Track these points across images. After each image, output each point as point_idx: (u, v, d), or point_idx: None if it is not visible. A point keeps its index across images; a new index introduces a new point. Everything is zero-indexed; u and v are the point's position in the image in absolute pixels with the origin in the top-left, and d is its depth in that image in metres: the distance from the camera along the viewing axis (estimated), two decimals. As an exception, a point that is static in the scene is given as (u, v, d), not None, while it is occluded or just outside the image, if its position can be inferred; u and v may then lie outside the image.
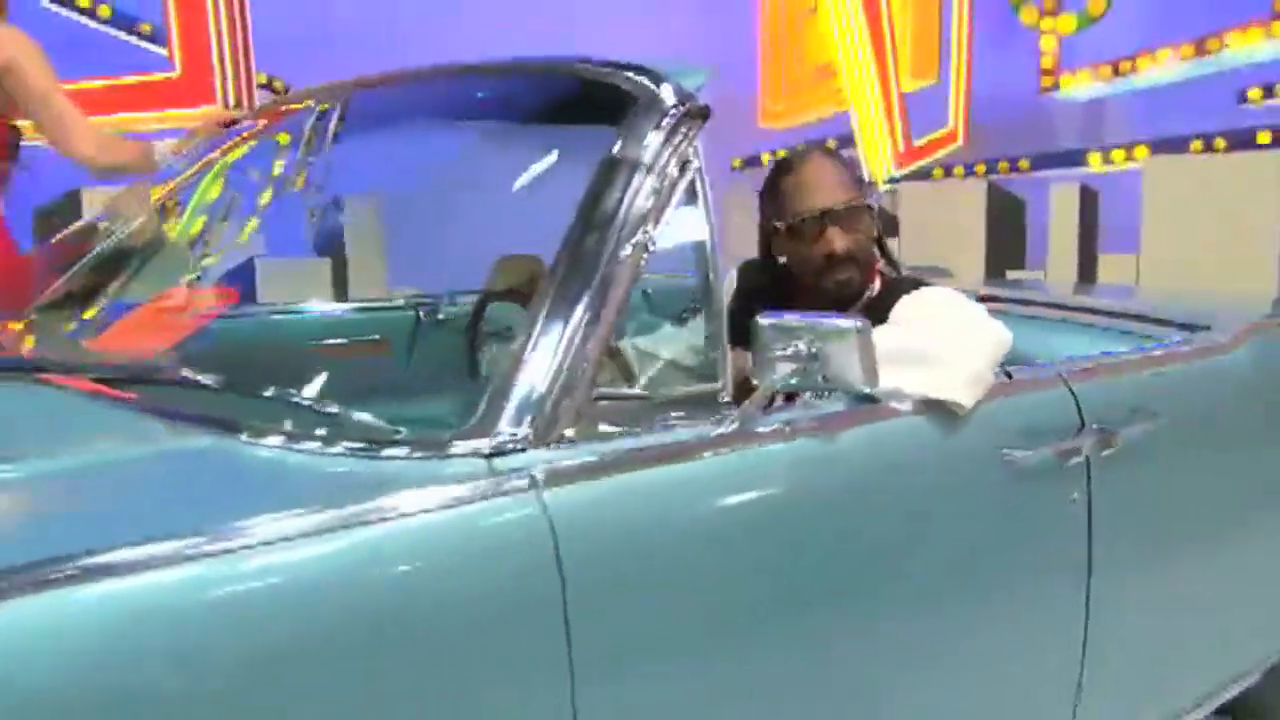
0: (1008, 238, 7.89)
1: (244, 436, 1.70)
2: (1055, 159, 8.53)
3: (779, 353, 1.87)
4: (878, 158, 8.37)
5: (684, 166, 2.04)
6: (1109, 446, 2.56)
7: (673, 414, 1.89)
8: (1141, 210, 6.95)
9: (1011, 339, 2.33)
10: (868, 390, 1.95)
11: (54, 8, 8.45)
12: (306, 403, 1.90)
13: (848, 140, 8.57)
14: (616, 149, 2.06)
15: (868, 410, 2.08)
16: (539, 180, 3.06)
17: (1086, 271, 7.41)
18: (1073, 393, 2.55)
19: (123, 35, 8.61)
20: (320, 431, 1.74)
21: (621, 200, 1.96)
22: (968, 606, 2.38)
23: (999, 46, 8.86)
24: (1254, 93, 7.52)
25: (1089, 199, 7.61)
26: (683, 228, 2.04)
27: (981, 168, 8.51)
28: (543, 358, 1.74)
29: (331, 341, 3.31)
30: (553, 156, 3.11)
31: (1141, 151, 7.69)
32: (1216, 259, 6.32)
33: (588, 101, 2.43)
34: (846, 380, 1.89)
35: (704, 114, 2.14)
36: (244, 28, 8.27)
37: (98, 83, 7.77)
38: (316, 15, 9.42)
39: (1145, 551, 2.83)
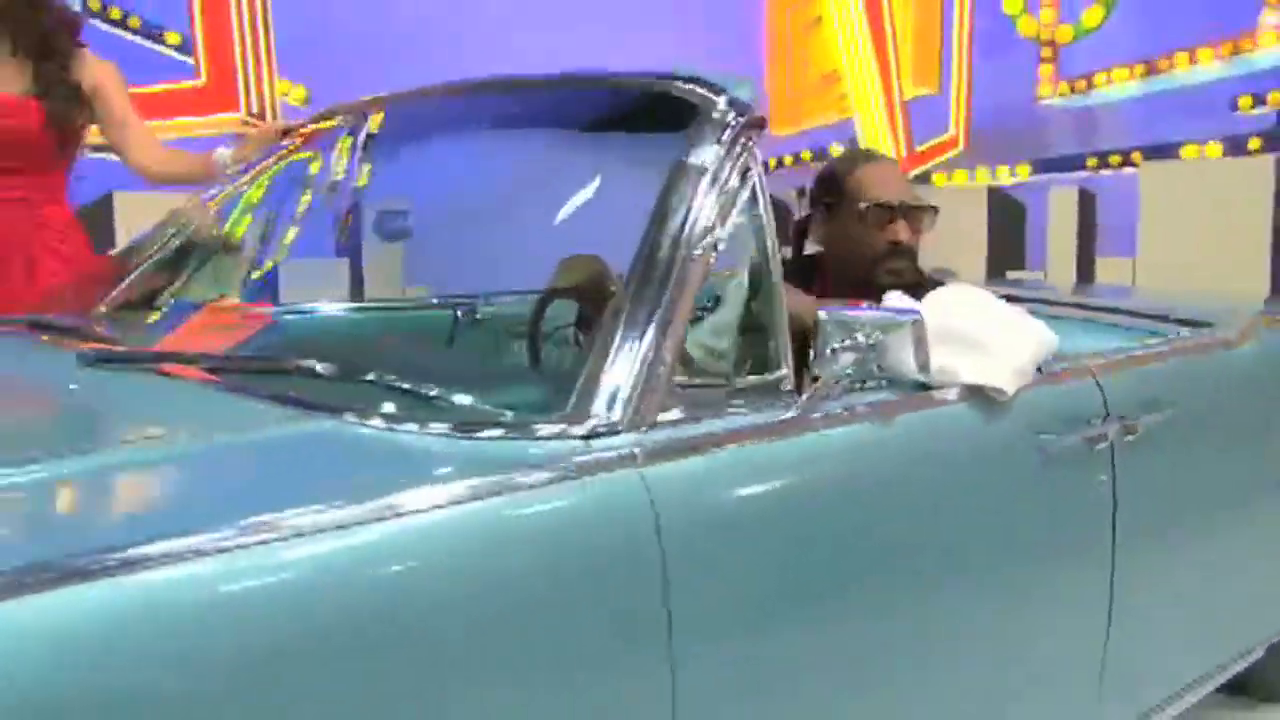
0: (1008, 240, 7.92)
1: (358, 419, 1.77)
2: (1053, 164, 8.58)
3: (839, 344, 1.97)
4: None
5: (745, 173, 2.13)
6: (1131, 433, 2.69)
7: (739, 400, 1.97)
8: (1139, 214, 6.98)
9: (1056, 341, 2.48)
10: (922, 379, 2.10)
11: (89, 19, 7.78)
12: (407, 389, 1.95)
13: (852, 145, 8.68)
14: (684, 157, 2.13)
15: (917, 397, 2.17)
16: (601, 187, 3.13)
17: (1085, 273, 7.52)
18: (1098, 384, 2.68)
19: (151, 45, 8.69)
20: (427, 415, 1.79)
21: (691, 206, 2.03)
22: (1008, 578, 2.50)
23: (998, 55, 8.91)
24: (1244, 100, 7.66)
25: (1087, 202, 7.64)
26: (745, 230, 2.12)
27: (982, 172, 8.56)
28: (629, 349, 1.81)
29: (399, 334, 3.30)
30: (616, 164, 3.21)
31: (1137, 156, 7.80)
32: (1210, 260, 6.45)
33: (650, 112, 2.53)
34: (901, 370, 2.03)
35: (761, 123, 2.24)
36: (267, 37, 8.32)
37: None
38: (337, 25, 9.47)
39: (1163, 531, 2.97)
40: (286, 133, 3.23)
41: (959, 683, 2.42)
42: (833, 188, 2.78)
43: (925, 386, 2.17)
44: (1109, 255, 7.54)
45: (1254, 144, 7.33)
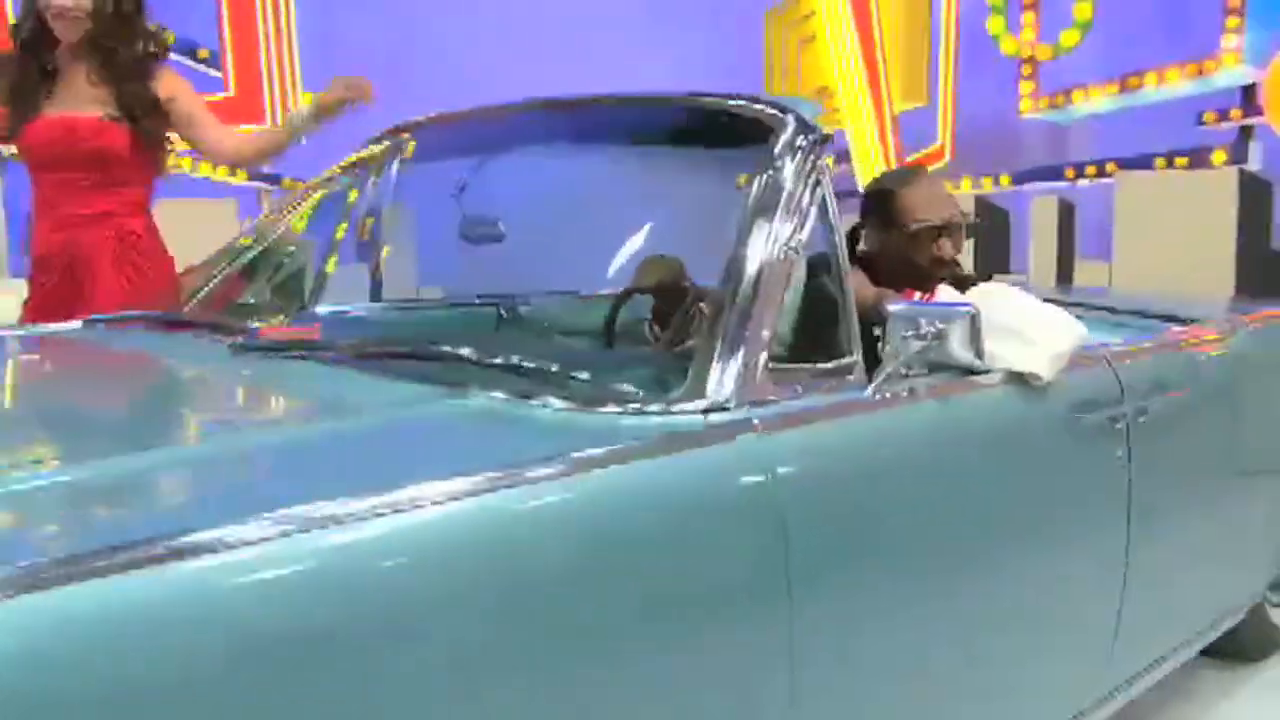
0: (993, 245, 7.87)
1: (508, 396, 1.87)
2: (1034, 174, 8.73)
3: (906, 334, 2.11)
4: (871, 172, 8.33)
5: (816, 185, 2.24)
6: (1143, 414, 2.84)
7: (819, 381, 2.09)
8: (1114, 220, 7.19)
9: (1087, 333, 2.60)
10: (976, 365, 2.21)
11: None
12: (537, 370, 1.94)
13: (844, 156, 8.74)
14: (768, 171, 2.23)
15: (965, 381, 2.30)
16: (685, 196, 3.41)
17: (1065, 276, 7.76)
18: (1115, 372, 2.82)
19: (184, 60, 8.63)
20: (565, 393, 1.89)
21: (776, 213, 2.15)
22: (1045, 535, 2.63)
23: (982, 72, 8.98)
24: (1209, 116, 7.90)
25: (1066, 210, 7.92)
26: (819, 233, 2.24)
27: (967, 181, 8.69)
28: (733, 338, 1.94)
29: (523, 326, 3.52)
30: (697, 177, 3.51)
31: (1112, 167, 8.02)
32: (1180, 264, 6.69)
33: (728, 129, 2.66)
34: (957, 357, 2.16)
35: (828, 139, 2.32)
36: (290, 53, 8.66)
37: None
38: (355, 41, 9.73)
39: (1168, 501, 3.12)
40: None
41: (1008, 620, 2.56)
42: (884, 203, 2.89)
43: (970, 371, 2.26)
44: (1087, 259, 7.69)
45: (1218, 157, 7.58)
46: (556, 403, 1.83)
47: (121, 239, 3.42)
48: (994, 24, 8.64)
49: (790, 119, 2.36)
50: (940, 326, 2.11)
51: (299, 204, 3.40)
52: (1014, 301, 2.47)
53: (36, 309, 3.42)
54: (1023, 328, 2.40)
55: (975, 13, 8.91)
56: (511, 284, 3.72)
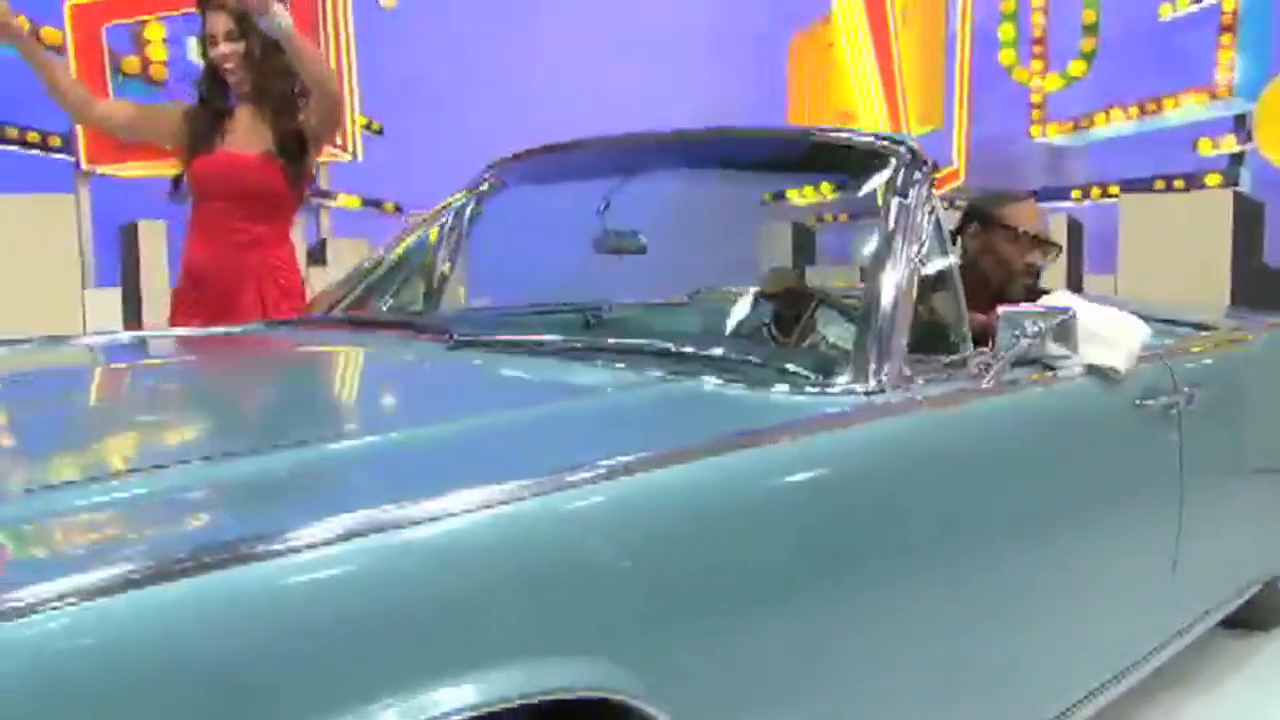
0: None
1: (717, 378, 2.14)
2: (1045, 194, 8.64)
3: (1016, 333, 2.40)
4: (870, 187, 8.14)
5: (931, 207, 2.50)
6: (1191, 402, 3.08)
7: (943, 371, 2.35)
8: (1119, 237, 7.51)
9: (1150, 333, 2.82)
10: (1071, 360, 2.52)
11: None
12: (722, 358, 2.31)
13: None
14: (897, 197, 2.52)
15: (1051, 374, 2.60)
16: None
17: (1074, 287, 7.02)
18: (1169, 367, 3.10)
19: None
20: (756, 377, 2.18)
21: (904, 230, 2.44)
22: (1118, 500, 2.95)
23: (994, 98, 9.12)
24: (1204, 144, 8.06)
25: (1074, 228, 8.03)
26: (934, 245, 2.49)
27: (994, 195, 8.37)
28: (885, 336, 2.21)
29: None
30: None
31: (1116, 189, 8.21)
32: (1179, 277, 7.06)
33: (860, 160, 2.88)
34: (1055, 352, 2.46)
35: (937, 168, 2.57)
36: (350, 82, 8.73)
37: None
38: (403, 74, 9.88)
39: (1211, 476, 3.38)
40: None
41: (1095, 563, 2.84)
42: (987, 214, 3.26)
43: (1048, 367, 2.52)
44: (1094, 273, 7.94)
45: (1213, 180, 7.76)
46: (741, 385, 2.10)
47: (269, 265, 3.64)
48: (1005, 55, 8.68)
49: (903, 150, 2.64)
50: (1042, 326, 2.38)
51: (425, 224, 3.65)
52: (1085, 307, 2.61)
53: (182, 316, 3.63)
54: (1099, 330, 2.60)
55: (987, 41, 9.01)
56: (626, 292, 3.97)
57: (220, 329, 3.53)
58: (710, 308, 3.84)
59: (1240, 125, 7.89)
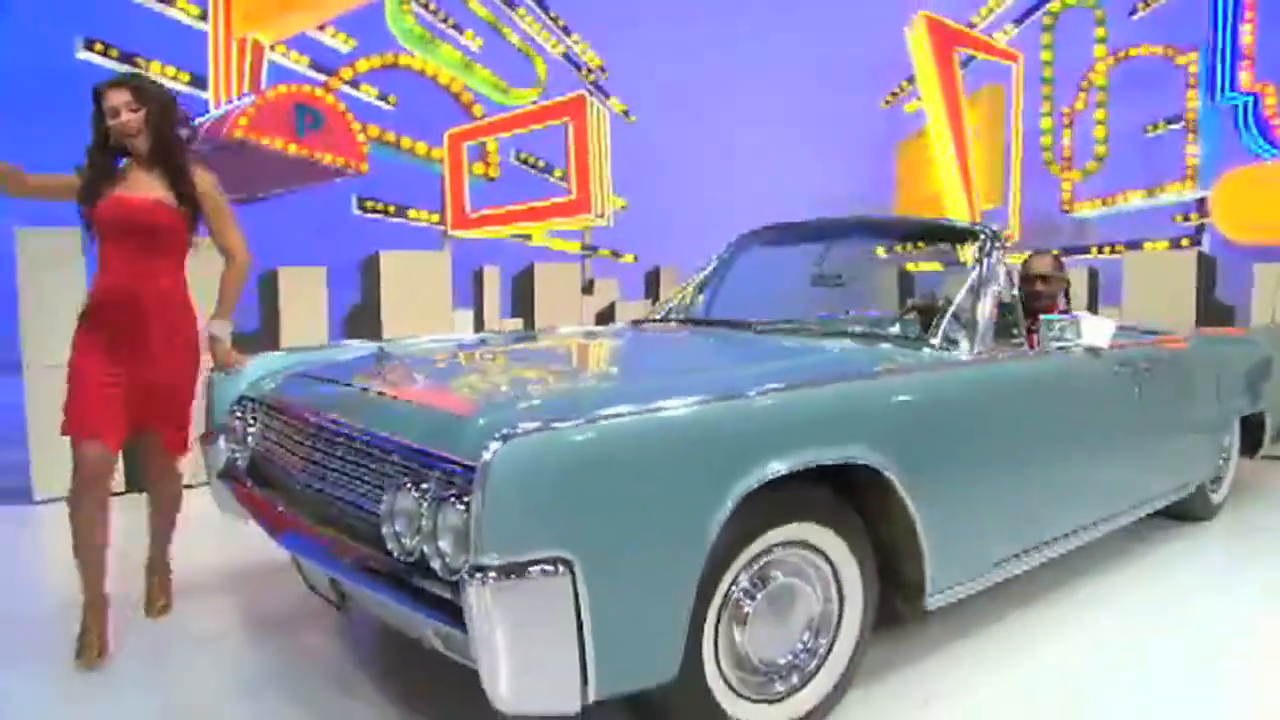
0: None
1: (891, 344, 3.00)
2: (1072, 250, 9.02)
3: (1051, 329, 3.21)
4: (966, 250, 7.45)
5: (1000, 263, 3.20)
6: (1147, 371, 3.60)
7: (1007, 346, 3.11)
8: (1124, 281, 7.69)
9: (1114, 326, 3.41)
10: (1080, 342, 3.19)
11: (518, 164, 9.59)
12: (894, 335, 3.16)
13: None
14: (981, 254, 3.22)
15: (1069, 349, 3.25)
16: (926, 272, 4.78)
17: (1091, 312, 7.61)
18: (1135, 351, 3.66)
19: (547, 178, 9.86)
20: (916, 344, 3.00)
21: (989, 275, 3.18)
22: (1105, 430, 3.46)
23: (1038, 185, 9.44)
24: (1179, 217, 8.61)
25: (1093, 274, 8.27)
26: (1003, 284, 3.19)
27: (1026, 255, 7.95)
28: (982, 328, 3.03)
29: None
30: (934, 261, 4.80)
31: (1121, 248, 8.61)
32: (1164, 308, 7.18)
33: (954, 235, 3.75)
34: (1072, 338, 3.17)
35: (1005, 240, 3.24)
36: (606, 170, 9.40)
37: (533, 204, 9.07)
38: (643, 162, 10.20)
39: (1159, 418, 3.85)
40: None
41: (1091, 465, 3.40)
42: (1038, 271, 3.99)
43: (1063, 347, 3.25)
44: (1106, 305, 8.13)
45: (1185, 242, 8.37)
46: (902, 347, 3.01)
47: (174, 302, 3.24)
48: (1045, 156, 9.11)
49: (988, 230, 3.35)
50: (1066, 323, 3.28)
51: (702, 272, 4.15)
52: (1086, 316, 3.37)
53: (89, 347, 3.15)
54: (1092, 325, 3.33)
55: (1033, 147, 9.18)
56: (818, 309, 4.23)
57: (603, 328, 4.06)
58: (877, 318, 4.38)
59: (1202, 206, 8.43)
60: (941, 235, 4.31)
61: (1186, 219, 8.35)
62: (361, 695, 2.80)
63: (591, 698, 1.94)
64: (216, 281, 3.36)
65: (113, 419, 3.15)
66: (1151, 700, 2.83)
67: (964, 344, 3.06)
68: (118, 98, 3.14)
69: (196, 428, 3.35)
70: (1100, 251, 8.80)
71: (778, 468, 2.17)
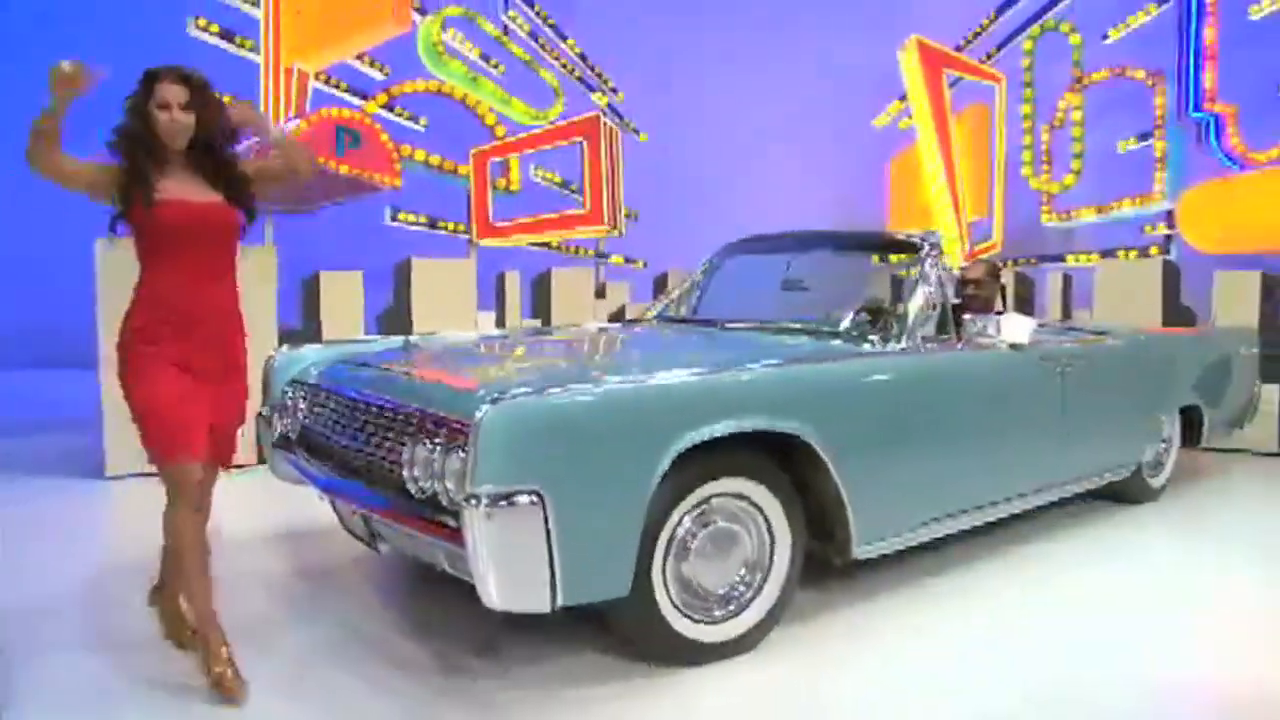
0: (1025, 300, 8.26)
1: (841, 340, 3.43)
2: (1049, 259, 9.19)
3: (975, 327, 3.64)
4: (955, 259, 8.43)
5: (939, 270, 3.63)
6: (1070, 367, 3.99)
7: (935, 341, 3.55)
8: (1095, 287, 7.78)
9: (1034, 324, 3.83)
10: (1000, 339, 3.62)
11: (539, 179, 10.05)
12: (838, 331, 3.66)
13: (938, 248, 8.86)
14: (921, 265, 3.63)
15: (993, 344, 3.67)
16: (870, 276, 5.23)
17: (1066, 317, 8.18)
18: (1052, 347, 4.09)
19: (566, 193, 10.27)
20: (853, 338, 3.40)
21: (924, 282, 3.59)
22: (1027, 418, 3.86)
23: (1020, 196, 9.53)
24: (1148, 228, 8.68)
25: (1068, 281, 8.52)
26: (937, 288, 3.59)
27: (1010, 263, 9.07)
28: (913, 324, 3.42)
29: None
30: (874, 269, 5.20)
31: (1095, 256, 8.69)
32: (1131, 310, 7.32)
33: (896, 246, 4.25)
34: (993, 335, 3.58)
35: (942, 249, 3.66)
36: (619, 184, 9.49)
37: (549, 215, 9.40)
38: (651, 177, 10.59)
39: (1084, 406, 4.15)
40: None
41: (1016, 451, 3.77)
42: (972, 275, 4.43)
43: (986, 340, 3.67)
44: (1079, 308, 8.45)
45: (1154, 251, 8.46)
46: (847, 341, 3.39)
47: (235, 302, 3.00)
48: (1027, 169, 9.33)
49: (930, 240, 3.80)
50: (986, 322, 3.68)
51: (693, 275, 4.65)
52: (1009, 316, 3.77)
53: (159, 366, 2.80)
54: (1013, 323, 3.72)
55: (1014, 161, 9.29)
56: (785, 313, 4.28)
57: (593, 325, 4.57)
58: (837, 318, 4.25)
59: (1169, 217, 8.55)
60: (888, 246, 4.75)
61: (1155, 229, 8.52)
62: (389, 622, 3.33)
63: (560, 602, 2.45)
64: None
65: (201, 432, 2.87)
66: (1073, 636, 3.22)
67: (898, 339, 3.47)
68: (177, 94, 2.81)
69: (252, 409, 3.36)
70: (1075, 259, 8.95)
71: (705, 434, 2.68)
